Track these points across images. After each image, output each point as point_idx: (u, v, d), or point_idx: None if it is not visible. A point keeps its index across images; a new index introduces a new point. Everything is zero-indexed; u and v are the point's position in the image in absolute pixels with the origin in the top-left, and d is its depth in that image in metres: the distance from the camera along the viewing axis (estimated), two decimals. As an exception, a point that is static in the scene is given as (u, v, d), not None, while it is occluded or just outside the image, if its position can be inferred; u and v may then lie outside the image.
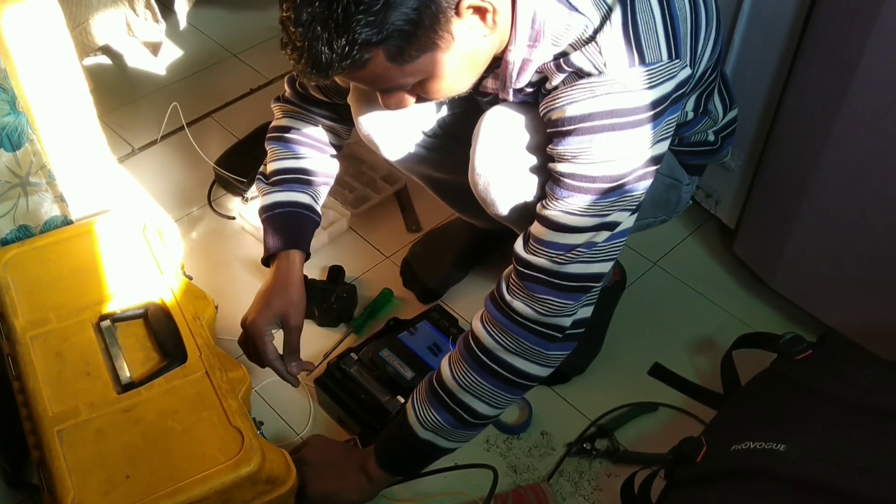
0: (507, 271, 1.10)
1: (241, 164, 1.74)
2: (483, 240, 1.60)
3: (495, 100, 1.15)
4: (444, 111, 1.31)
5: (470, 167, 1.15)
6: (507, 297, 1.07)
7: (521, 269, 1.06)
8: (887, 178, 1.25)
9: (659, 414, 1.40)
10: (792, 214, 1.41)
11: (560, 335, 1.08)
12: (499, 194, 1.14)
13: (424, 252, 1.61)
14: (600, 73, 0.97)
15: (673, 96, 1.00)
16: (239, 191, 1.72)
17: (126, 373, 1.17)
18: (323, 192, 1.38)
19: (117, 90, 2.02)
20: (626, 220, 1.06)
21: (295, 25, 0.91)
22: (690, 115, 1.22)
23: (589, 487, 1.31)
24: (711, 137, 1.31)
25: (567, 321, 1.08)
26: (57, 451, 1.07)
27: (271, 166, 1.34)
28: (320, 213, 1.36)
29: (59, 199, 1.40)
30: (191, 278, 1.39)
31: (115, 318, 1.24)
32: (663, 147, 1.05)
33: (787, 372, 1.24)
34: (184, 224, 1.71)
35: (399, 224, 1.71)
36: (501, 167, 1.12)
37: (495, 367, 1.09)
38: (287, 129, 1.35)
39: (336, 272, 1.57)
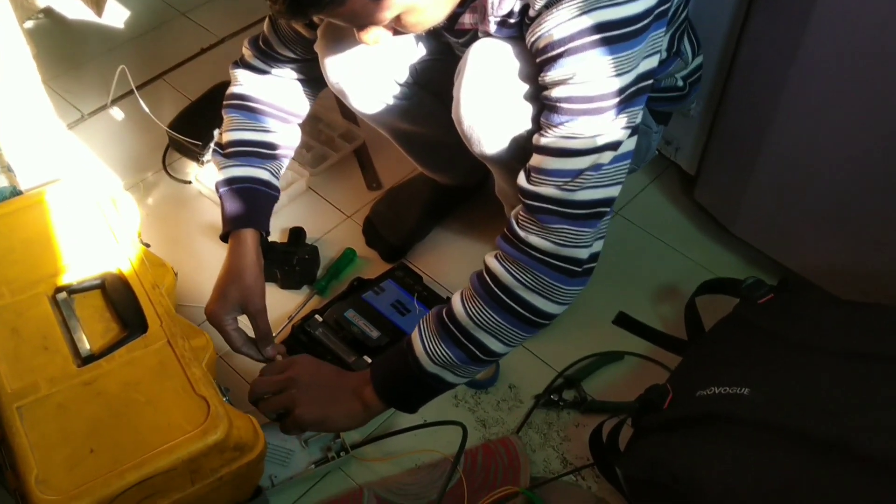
0: (514, 211, 1.08)
1: (195, 127, 1.70)
2: (446, 196, 1.59)
3: (472, 38, 1.12)
4: (416, 58, 1.28)
5: (454, 103, 1.12)
6: (521, 233, 1.04)
7: (530, 202, 1.04)
8: (844, 122, 1.25)
9: (625, 363, 1.41)
10: (751, 160, 1.41)
11: (578, 268, 1.05)
12: (486, 130, 1.11)
13: (387, 210, 1.59)
14: None
15: (657, 11, 0.99)
16: (194, 154, 1.69)
17: (85, 345, 1.15)
18: (283, 164, 1.35)
19: (62, 54, 1.96)
20: (628, 141, 1.04)
21: None
22: (664, 55, 1.20)
23: (558, 438, 1.32)
24: (680, 83, 1.31)
25: (584, 253, 1.05)
26: (17, 428, 1.05)
27: (228, 136, 1.30)
28: (279, 186, 1.33)
29: (6, 169, 1.36)
30: (148, 246, 1.36)
31: (72, 290, 1.21)
32: (653, 62, 1.03)
33: (750, 316, 1.25)
34: (139, 190, 1.68)
35: (359, 182, 1.69)
36: (489, 102, 1.09)
37: (513, 304, 1.05)
38: (246, 97, 1.31)
39: (297, 234, 1.55)
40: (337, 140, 1.71)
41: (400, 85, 1.30)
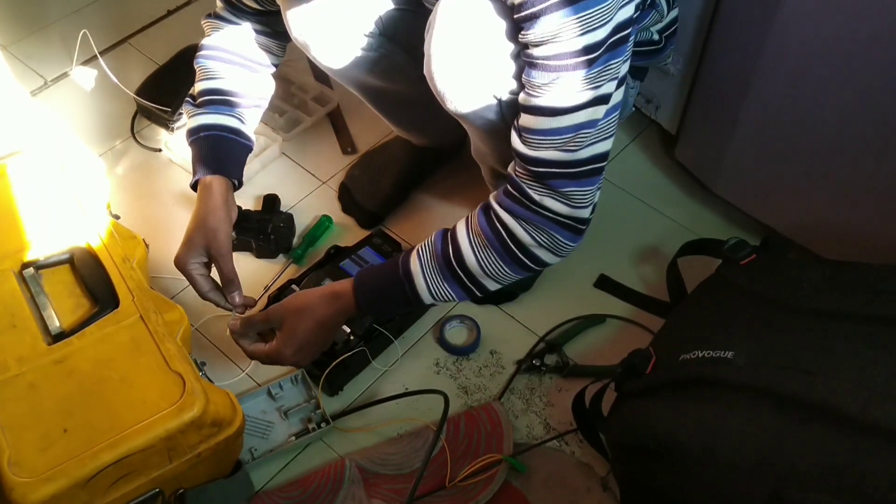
0: (511, 167, 1.08)
1: (163, 93, 1.65)
2: (422, 159, 1.56)
3: None
4: (384, 10, 1.25)
5: (426, 59, 1.09)
6: (536, 196, 1.05)
7: (534, 168, 1.04)
8: (826, 79, 1.23)
9: (607, 326, 1.40)
10: (732, 118, 1.39)
11: (584, 226, 1.10)
12: (460, 87, 1.09)
13: (362, 175, 1.56)
14: None
15: None
16: (164, 121, 1.64)
17: (55, 322, 1.12)
18: (254, 114, 1.33)
19: (22, 17, 1.89)
20: (616, 93, 1.04)
21: None
22: (640, 8, 1.18)
23: (540, 403, 1.31)
24: (656, 36, 1.28)
25: (588, 210, 1.09)
26: (-13, 409, 1.02)
27: (198, 86, 1.28)
28: (250, 136, 1.31)
29: (-34, 141, 1.32)
30: (118, 217, 1.32)
31: (39, 266, 1.17)
32: (629, 11, 1.02)
33: (732, 277, 1.24)
34: (107, 158, 1.63)
35: (333, 147, 1.66)
36: (462, 57, 1.06)
37: (524, 258, 1.09)
38: (216, 48, 1.29)
39: (271, 201, 1.52)
40: (310, 103, 1.67)
41: (366, 36, 1.26)
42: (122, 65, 1.78)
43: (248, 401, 1.29)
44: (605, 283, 1.45)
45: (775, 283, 1.18)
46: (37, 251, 1.19)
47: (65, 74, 1.76)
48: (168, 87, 1.66)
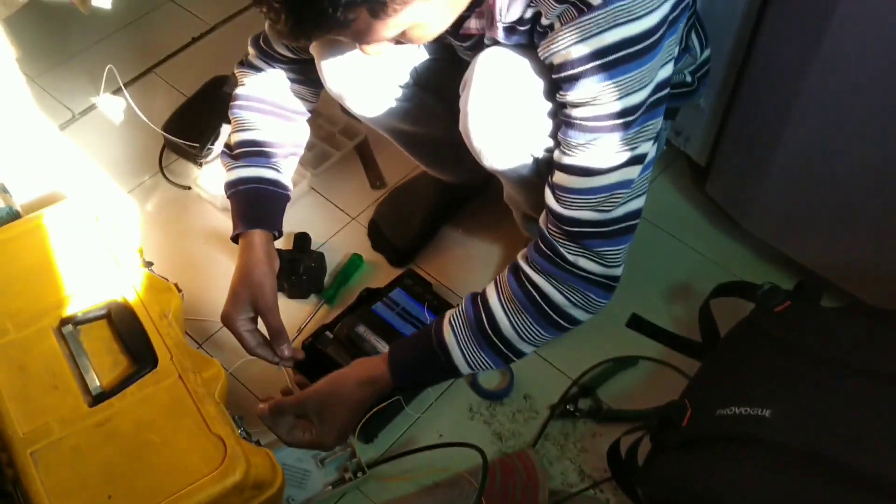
0: (542, 221, 1.07)
1: (191, 127, 1.65)
2: (452, 194, 1.56)
3: (478, 43, 1.08)
4: (417, 60, 1.25)
5: (462, 116, 1.10)
6: (570, 257, 1.04)
7: (569, 227, 1.03)
8: (865, 118, 1.21)
9: (639, 368, 1.40)
10: (766, 155, 1.38)
11: (616, 284, 1.09)
12: (497, 145, 1.09)
13: (391, 212, 1.56)
14: (605, 2, 0.90)
15: (670, 17, 0.96)
16: (192, 156, 1.64)
17: (95, 382, 1.13)
18: (290, 162, 1.32)
19: (48, 48, 1.89)
20: (651, 150, 1.04)
21: None
22: (675, 51, 1.17)
23: (575, 449, 1.31)
24: (689, 78, 1.27)
25: (621, 269, 1.08)
26: (32, 475, 1.04)
27: (234, 138, 1.28)
28: (288, 185, 1.31)
29: (2, 189, 1.32)
30: (151, 264, 1.33)
31: (77, 321, 1.18)
32: (668, 70, 1.02)
33: (767, 326, 1.23)
34: (136, 195, 1.64)
35: (362, 180, 1.65)
36: (499, 115, 1.06)
37: (560, 319, 1.08)
38: (249, 97, 1.29)
39: (302, 240, 1.52)
40: (338, 136, 1.67)
41: (401, 87, 1.27)
42: (148, 96, 1.78)
43: (285, 449, 1.29)
44: (636, 323, 1.44)
45: (813, 336, 1.17)
46: (74, 306, 1.20)
47: (92, 107, 1.76)
48: (195, 121, 1.66)
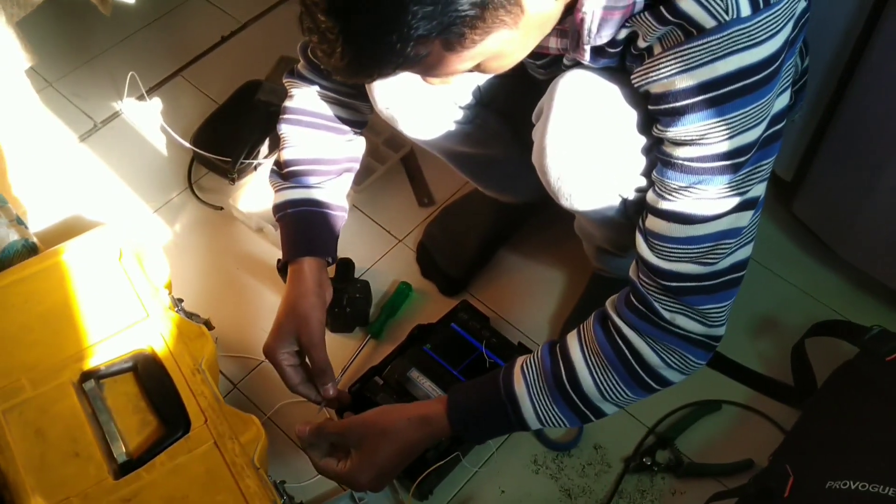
0: (632, 272, 0.93)
1: (222, 139, 1.52)
2: (509, 215, 1.41)
3: (554, 61, 0.94)
4: (482, 77, 1.10)
5: (537, 149, 0.95)
6: (667, 314, 0.90)
7: (666, 282, 0.89)
8: None
9: (723, 414, 1.25)
10: (868, 175, 1.22)
11: (717, 344, 0.95)
12: (579, 184, 0.95)
13: (443, 235, 1.41)
14: (721, 24, 0.74)
15: (789, 38, 0.81)
16: (224, 170, 1.50)
17: (121, 448, 1.00)
18: (344, 180, 1.20)
19: (66, 50, 1.75)
20: (762, 192, 0.90)
21: (326, 14, 0.69)
22: (791, 76, 1.02)
23: (653, 509, 1.18)
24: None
25: (724, 328, 0.94)
26: (52, 562, 0.92)
27: (283, 155, 1.16)
28: (342, 205, 1.18)
29: (16, 222, 1.20)
30: (181, 301, 1.20)
31: (100, 376, 1.06)
32: (785, 99, 0.88)
33: (878, 378, 1.08)
34: (163, 214, 1.50)
35: (409, 198, 1.51)
36: (584, 151, 0.92)
37: (650, 381, 0.94)
38: (298, 111, 1.16)
39: (345, 268, 1.37)
40: (381, 148, 1.52)
41: (462, 108, 1.13)
42: (174, 102, 1.64)
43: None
44: (719, 362, 1.29)
45: (937, 395, 1.02)
46: (97, 357, 1.08)
47: (115, 115, 1.63)
48: (227, 133, 1.52)
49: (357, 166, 1.22)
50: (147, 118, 1.61)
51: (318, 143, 1.16)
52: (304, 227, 1.15)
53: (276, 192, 1.17)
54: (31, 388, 1.04)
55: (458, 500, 1.19)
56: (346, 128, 1.18)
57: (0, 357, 1.07)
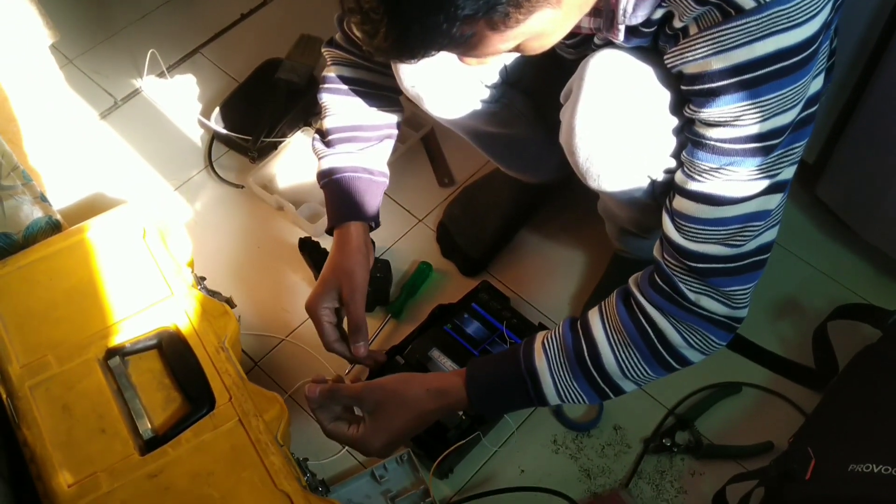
0: (657, 251, 0.93)
1: (243, 117, 1.52)
2: (530, 195, 1.41)
3: (584, 41, 0.94)
4: (509, 57, 1.09)
5: (565, 129, 0.95)
6: (692, 295, 0.90)
7: (692, 262, 0.89)
8: None
9: (743, 396, 1.25)
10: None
11: (739, 325, 0.95)
12: (608, 166, 0.95)
13: (463, 214, 1.41)
14: (760, 6, 0.74)
15: (827, 20, 0.79)
16: (245, 149, 1.50)
17: (147, 425, 1.01)
18: (385, 145, 1.21)
19: (86, 27, 1.75)
20: (791, 175, 0.90)
21: None
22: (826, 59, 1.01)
23: (672, 490, 1.18)
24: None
25: (747, 310, 0.94)
26: (80, 536, 0.93)
27: (325, 123, 1.18)
28: (383, 170, 1.20)
29: (40, 199, 1.20)
30: (203, 280, 1.20)
31: (125, 353, 1.07)
32: (819, 83, 0.87)
33: (902, 362, 1.08)
34: (184, 192, 1.51)
35: (429, 177, 1.51)
36: (613, 131, 0.91)
37: (671, 360, 0.95)
38: (338, 79, 1.17)
39: (365, 246, 1.38)
40: (402, 128, 1.50)
41: (488, 87, 1.12)
42: (194, 79, 1.64)
43: (351, 484, 1.19)
44: (738, 344, 1.29)
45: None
46: (122, 334, 1.08)
47: (136, 92, 1.63)
48: (247, 111, 1.52)
49: (397, 132, 1.23)
50: (167, 96, 1.61)
51: (357, 111, 1.17)
52: (348, 193, 1.17)
53: (319, 159, 1.19)
54: (57, 364, 1.05)
55: (478, 478, 1.20)
56: (385, 94, 1.18)
57: (26, 333, 1.08)
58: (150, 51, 1.54)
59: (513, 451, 1.21)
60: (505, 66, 1.11)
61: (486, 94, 1.12)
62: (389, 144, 1.22)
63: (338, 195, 1.16)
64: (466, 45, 0.74)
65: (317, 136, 1.20)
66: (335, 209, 1.17)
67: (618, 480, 1.19)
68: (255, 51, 1.65)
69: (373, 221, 1.19)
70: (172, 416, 1.03)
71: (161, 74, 1.61)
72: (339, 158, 1.16)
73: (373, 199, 1.18)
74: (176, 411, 1.04)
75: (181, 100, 1.59)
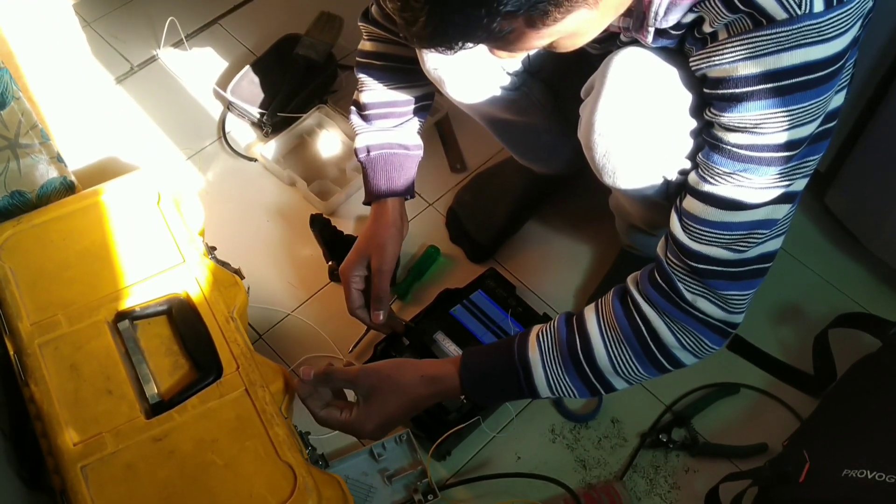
0: (660, 249, 0.94)
1: (259, 91, 1.52)
2: (540, 186, 1.41)
3: (609, 37, 0.94)
4: None
5: (584, 125, 0.96)
6: (688, 296, 0.91)
7: (693, 263, 0.89)
8: None
9: (740, 397, 1.27)
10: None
11: (734, 331, 0.95)
12: (625, 163, 0.95)
13: (473, 201, 1.42)
14: (792, 17, 0.74)
15: (856, 37, 0.81)
16: (258, 124, 1.51)
17: (154, 389, 1.02)
18: (420, 118, 1.26)
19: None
20: (803, 187, 0.91)
21: None
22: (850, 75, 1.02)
23: (665, 485, 1.19)
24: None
25: (743, 316, 0.94)
26: (83, 493, 0.93)
27: (362, 98, 1.23)
28: (418, 144, 1.26)
29: (56, 159, 1.21)
30: (214, 249, 1.21)
31: (134, 317, 1.07)
32: (840, 98, 0.89)
33: (900, 372, 1.10)
34: (196, 162, 1.51)
35: (441, 162, 1.51)
36: (632, 129, 0.92)
37: (663, 360, 0.95)
38: (373, 54, 1.20)
39: (375, 228, 1.39)
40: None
41: (509, 75, 1.13)
42: (211, 49, 1.64)
43: (349, 461, 1.20)
44: (739, 346, 1.30)
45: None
46: (132, 298, 1.08)
47: (152, 59, 1.63)
48: (263, 85, 1.53)
49: (432, 103, 1.27)
50: (184, 65, 1.61)
51: (394, 84, 1.21)
52: (383, 168, 1.23)
53: (357, 134, 1.24)
54: (66, 324, 1.05)
55: (475, 462, 1.21)
56: (419, 68, 1.17)
57: (37, 292, 1.08)
58: (170, 18, 1.54)
59: (511, 437, 1.23)
60: (528, 56, 1.11)
61: (507, 81, 1.12)
62: (424, 116, 1.26)
63: (375, 171, 1.23)
64: (503, 40, 0.75)
65: (354, 108, 1.24)
66: (373, 185, 1.23)
67: (613, 473, 1.20)
68: (274, 25, 1.65)
69: (408, 194, 1.25)
70: (179, 382, 1.04)
71: (179, 43, 1.61)
72: (376, 136, 1.22)
73: (408, 173, 1.25)
74: (183, 378, 1.04)
75: (197, 70, 1.60)
